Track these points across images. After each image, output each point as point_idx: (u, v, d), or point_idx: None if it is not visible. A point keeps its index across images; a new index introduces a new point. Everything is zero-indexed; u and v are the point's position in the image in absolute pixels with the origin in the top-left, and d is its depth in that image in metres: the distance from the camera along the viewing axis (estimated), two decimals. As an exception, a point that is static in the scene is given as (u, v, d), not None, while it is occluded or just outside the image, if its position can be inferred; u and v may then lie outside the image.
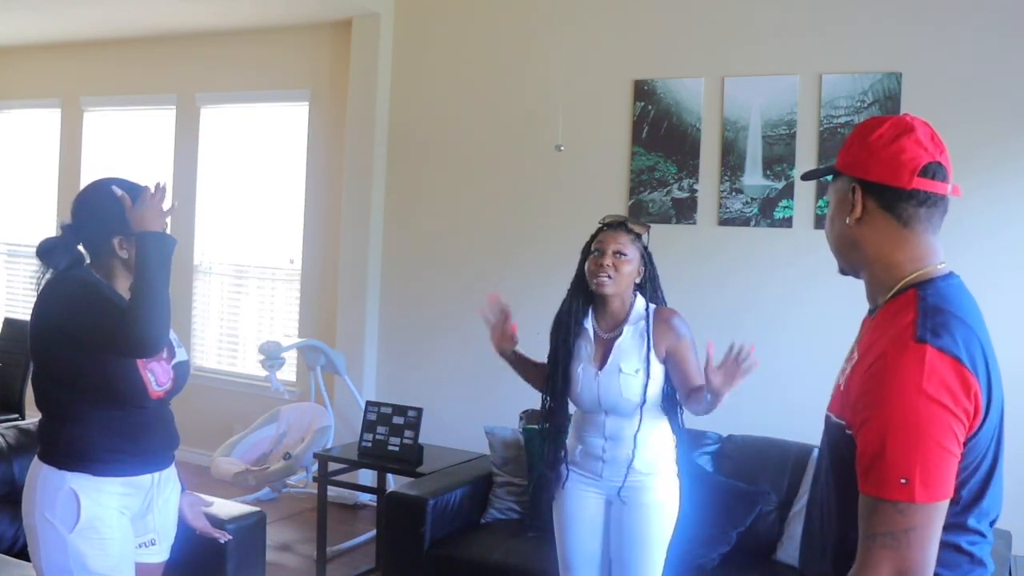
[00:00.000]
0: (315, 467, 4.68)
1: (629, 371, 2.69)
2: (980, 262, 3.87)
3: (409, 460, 4.28)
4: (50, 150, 6.89)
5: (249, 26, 5.88)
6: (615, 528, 2.78)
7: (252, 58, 5.99)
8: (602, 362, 2.74)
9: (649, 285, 2.81)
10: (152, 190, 2.20)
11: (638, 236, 2.78)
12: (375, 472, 4.75)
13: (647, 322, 2.73)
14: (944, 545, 1.42)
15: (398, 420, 4.37)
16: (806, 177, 1.77)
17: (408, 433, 4.32)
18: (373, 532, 4.72)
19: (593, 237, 2.81)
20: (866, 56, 4.17)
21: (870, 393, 1.42)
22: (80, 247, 2.29)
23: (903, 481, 1.37)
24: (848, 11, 4.23)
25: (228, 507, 3.20)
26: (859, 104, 4.16)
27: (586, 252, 2.81)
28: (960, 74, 4.01)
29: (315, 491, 4.76)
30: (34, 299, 2.24)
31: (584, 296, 2.82)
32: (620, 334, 2.74)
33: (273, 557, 4.36)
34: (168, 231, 2.29)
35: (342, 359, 5.23)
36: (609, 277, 2.70)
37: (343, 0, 5.25)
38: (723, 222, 4.45)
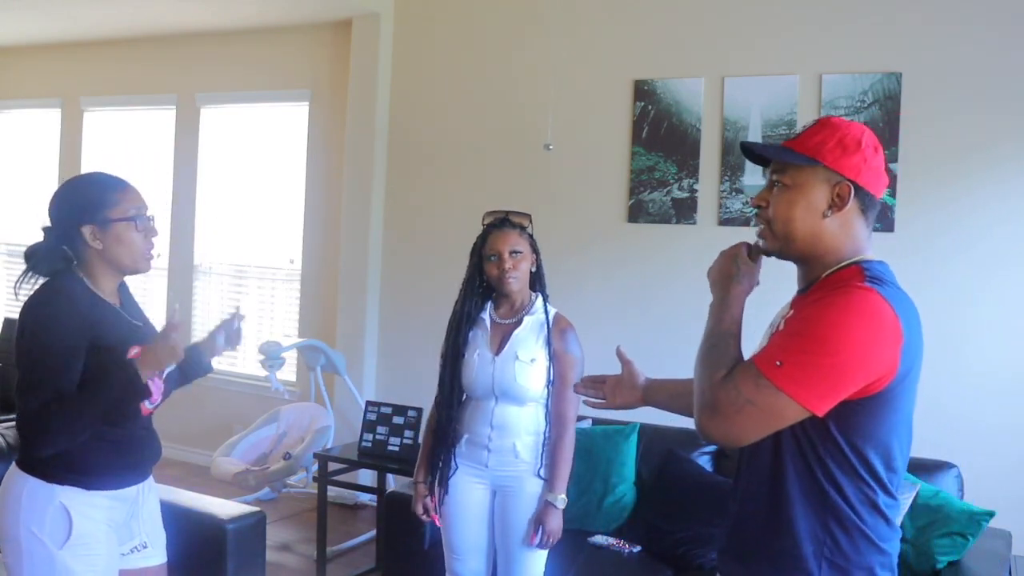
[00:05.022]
0: (315, 467, 4.68)
1: (525, 359, 2.76)
2: (980, 260, 3.88)
3: (409, 460, 4.27)
4: (50, 150, 6.90)
5: (249, 26, 5.88)
6: (499, 518, 2.82)
7: (252, 58, 5.99)
8: (499, 348, 2.80)
9: (538, 272, 2.90)
10: (172, 321, 2.08)
11: (523, 228, 2.85)
12: (375, 472, 4.75)
13: (546, 318, 2.81)
14: (866, 502, 1.51)
15: (398, 420, 4.37)
16: (761, 151, 1.72)
17: (408, 433, 4.33)
18: (373, 532, 4.72)
19: (483, 239, 2.85)
20: (866, 56, 4.17)
21: (796, 318, 1.52)
22: (66, 248, 2.19)
23: (778, 363, 1.45)
24: (848, 11, 4.23)
25: (228, 507, 3.19)
26: (859, 104, 4.16)
27: (477, 254, 2.86)
28: (960, 74, 4.00)
29: (315, 491, 4.76)
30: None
31: (480, 295, 2.89)
32: (519, 323, 2.81)
33: (273, 557, 4.36)
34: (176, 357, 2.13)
35: (342, 359, 5.23)
36: (514, 278, 2.79)
37: (343, 0, 5.25)
38: (723, 222, 4.44)
